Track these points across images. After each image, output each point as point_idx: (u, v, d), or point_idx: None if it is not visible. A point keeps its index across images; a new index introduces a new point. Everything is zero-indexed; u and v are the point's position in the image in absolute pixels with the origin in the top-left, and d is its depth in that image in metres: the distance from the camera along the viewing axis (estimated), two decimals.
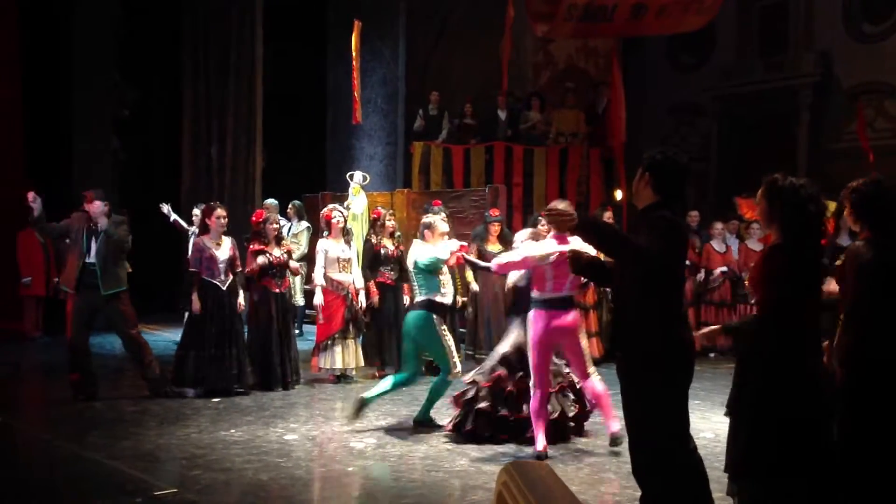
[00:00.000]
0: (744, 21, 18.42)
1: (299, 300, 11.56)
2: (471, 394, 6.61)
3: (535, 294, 6.13)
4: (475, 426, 6.51)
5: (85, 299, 7.97)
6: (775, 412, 3.87)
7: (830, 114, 16.94)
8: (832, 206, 7.60)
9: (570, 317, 6.14)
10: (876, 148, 14.84)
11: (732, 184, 14.48)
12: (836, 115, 16.58)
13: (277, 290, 8.64)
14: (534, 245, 6.25)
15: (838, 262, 4.66)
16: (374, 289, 9.22)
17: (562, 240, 6.01)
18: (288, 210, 12.02)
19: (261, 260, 8.48)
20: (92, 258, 7.93)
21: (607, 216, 10.80)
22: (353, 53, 12.54)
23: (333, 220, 9.02)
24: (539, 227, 9.97)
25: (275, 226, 8.78)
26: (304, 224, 12.01)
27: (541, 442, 6.04)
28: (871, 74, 16.36)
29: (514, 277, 6.69)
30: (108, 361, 9.87)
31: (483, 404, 6.49)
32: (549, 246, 6.10)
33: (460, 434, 6.57)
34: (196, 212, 11.53)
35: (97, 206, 8.00)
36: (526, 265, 6.17)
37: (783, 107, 17.57)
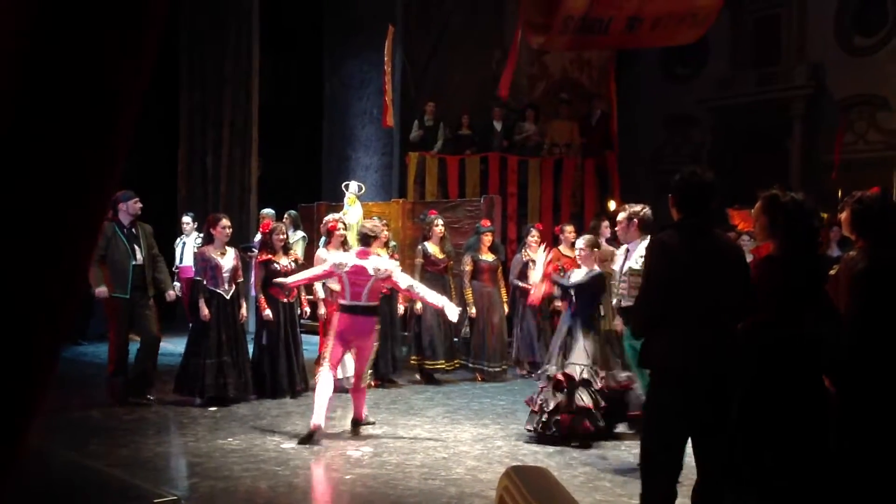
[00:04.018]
0: (737, 33, 18.55)
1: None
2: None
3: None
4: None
5: (130, 301, 8.07)
6: (764, 416, 3.95)
7: (823, 125, 17.05)
8: (824, 217, 7.71)
9: (366, 323, 7.00)
10: (868, 160, 14.99)
11: (725, 195, 14.60)
12: (829, 126, 16.70)
13: (285, 300, 8.69)
14: (336, 255, 7.40)
15: (832, 272, 4.74)
16: None
17: (363, 254, 6.99)
18: (283, 220, 12.04)
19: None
20: (139, 260, 8.07)
21: (605, 226, 10.87)
22: (386, 58, 12.65)
23: (338, 232, 9.06)
24: (529, 238, 10.11)
25: (281, 236, 8.84)
26: (300, 234, 12.05)
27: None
28: (862, 87, 16.49)
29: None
30: (102, 370, 9.86)
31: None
32: (347, 257, 7.14)
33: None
34: (186, 220, 11.54)
35: (133, 207, 8.14)
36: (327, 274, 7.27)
37: (776, 118, 17.69)
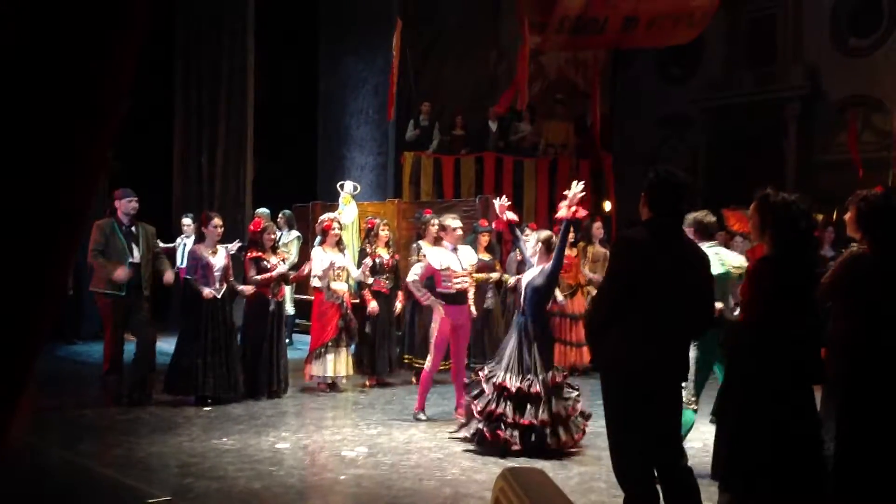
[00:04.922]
0: (732, 34, 18.58)
1: (290, 310, 11.58)
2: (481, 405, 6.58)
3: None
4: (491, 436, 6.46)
5: (125, 300, 8.02)
6: (759, 421, 3.95)
7: (818, 126, 17.10)
8: (818, 218, 7.72)
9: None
10: (862, 160, 14.99)
11: (720, 196, 14.60)
12: (824, 127, 16.75)
13: (273, 298, 8.67)
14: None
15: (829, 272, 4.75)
16: (369, 296, 9.24)
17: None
18: (278, 219, 12.02)
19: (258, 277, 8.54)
20: (136, 259, 8.03)
21: (597, 226, 10.90)
22: (394, 52, 12.64)
23: (333, 231, 9.04)
24: (524, 234, 10.08)
25: (272, 235, 8.83)
26: (294, 233, 12.04)
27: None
28: (858, 88, 16.54)
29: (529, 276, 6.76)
30: (95, 371, 9.83)
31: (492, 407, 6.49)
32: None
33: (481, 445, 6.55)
34: (186, 221, 11.52)
35: (127, 206, 8.10)
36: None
37: (771, 119, 17.72)
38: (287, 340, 10.80)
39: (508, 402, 6.43)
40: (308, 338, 9.67)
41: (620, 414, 4.03)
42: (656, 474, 4.09)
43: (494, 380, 6.53)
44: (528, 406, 6.40)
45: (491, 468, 5.97)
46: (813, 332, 4.15)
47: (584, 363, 10.42)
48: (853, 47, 16.87)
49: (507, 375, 6.49)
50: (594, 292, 10.39)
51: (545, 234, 6.99)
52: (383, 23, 15.29)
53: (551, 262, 6.60)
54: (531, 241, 6.92)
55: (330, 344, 8.90)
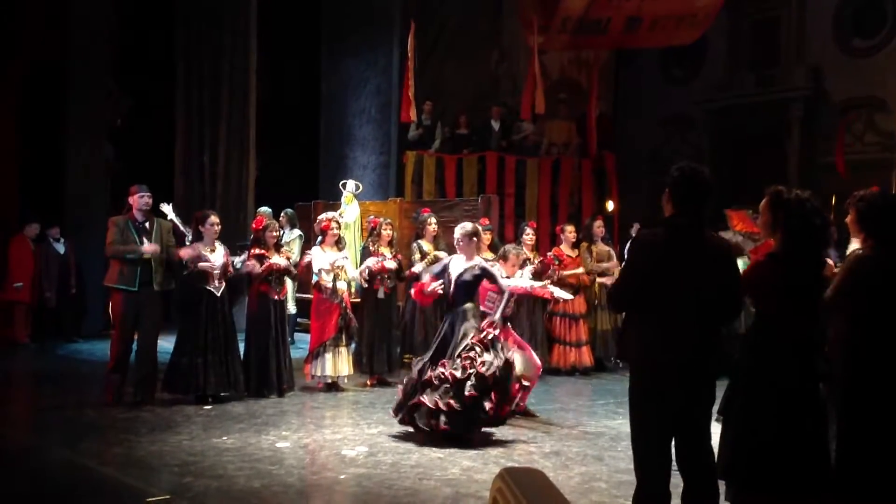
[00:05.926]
0: (735, 35, 18.53)
1: (292, 308, 11.58)
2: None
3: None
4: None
5: (137, 297, 8.03)
6: (763, 418, 3.93)
7: (821, 127, 17.04)
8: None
9: None
10: (865, 161, 14.98)
11: (723, 196, 14.57)
12: (827, 128, 16.68)
13: (276, 297, 8.67)
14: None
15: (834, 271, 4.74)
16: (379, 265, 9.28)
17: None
18: (280, 218, 12.00)
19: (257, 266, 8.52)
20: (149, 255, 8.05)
21: (597, 225, 10.90)
22: (409, 54, 12.65)
23: (332, 231, 9.04)
24: (524, 237, 10.09)
25: (274, 233, 8.83)
26: (297, 232, 12.02)
27: None
28: (861, 89, 16.48)
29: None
30: (97, 368, 9.84)
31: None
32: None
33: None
34: None
35: (138, 201, 8.14)
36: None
37: (774, 120, 17.67)
38: (290, 339, 10.81)
39: (430, 390, 6.69)
40: (308, 336, 9.65)
41: (637, 410, 4.05)
42: (676, 468, 4.08)
43: (419, 367, 6.85)
44: (449, 388, 6.61)
45: (491, 468, 5.95)
46: (818, 331, 4.14)
47: (585, 363, 10.43)
48: (857, 48, 16.82)
49: (431, 366, 6.77)
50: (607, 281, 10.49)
51: (470, 225, 7.16)
52: (385, 23, 15.30)
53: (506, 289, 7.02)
54: (457, 231, 7.10)
55: (329, 343, 8.89)
